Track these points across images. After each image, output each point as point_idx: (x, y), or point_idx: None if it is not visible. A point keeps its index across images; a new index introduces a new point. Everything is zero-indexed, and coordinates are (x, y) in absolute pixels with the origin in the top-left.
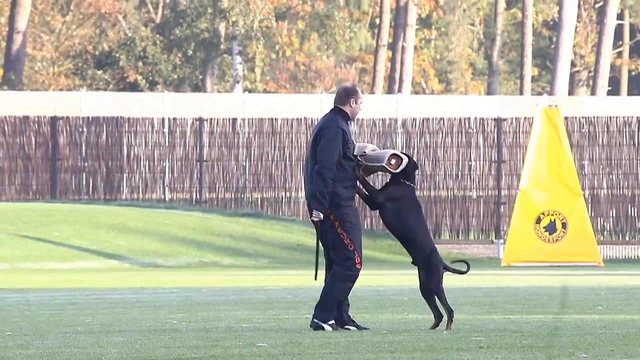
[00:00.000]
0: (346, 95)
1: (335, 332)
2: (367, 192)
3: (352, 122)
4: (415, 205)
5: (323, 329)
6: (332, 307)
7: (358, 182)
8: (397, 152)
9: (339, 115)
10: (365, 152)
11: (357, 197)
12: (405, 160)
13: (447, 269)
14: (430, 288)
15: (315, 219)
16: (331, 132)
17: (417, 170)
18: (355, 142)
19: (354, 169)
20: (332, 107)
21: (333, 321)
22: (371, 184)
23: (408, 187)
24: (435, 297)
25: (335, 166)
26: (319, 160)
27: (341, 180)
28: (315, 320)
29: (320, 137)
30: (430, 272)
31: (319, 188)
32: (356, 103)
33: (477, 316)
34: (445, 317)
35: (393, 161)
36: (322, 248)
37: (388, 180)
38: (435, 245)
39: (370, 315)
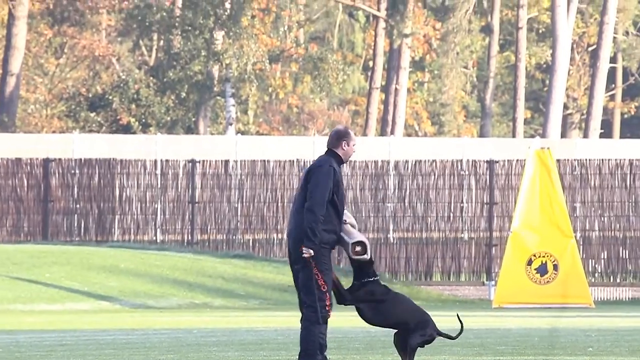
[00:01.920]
0: (337, 138)
1: None
2: (337, 291)
3: (345, 165)
4: (386, 294)
5: None
6: (314, 353)
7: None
8: (367, 243)
9: (332, 157)
10: (345, 220)
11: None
12: (368, 254)
13: (440, 334)
14: (409, 343)
15: (305, 255)
16: (323, 170)
17: (373, 262)
18: (344, 192)
19: (338, 216)
20: (326, 149)
21: None
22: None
23: (372, 283)
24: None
25: (325, 204)
26: (309, 198)
27: (323, 222)
28: None
29: (312, 175)
30: (417, 332)
31: (309, 224)
32: (348, 145)
33: (467, 357)
34: None
35: (358, 248)
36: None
37: (354, 281)
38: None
39: (361, 357)
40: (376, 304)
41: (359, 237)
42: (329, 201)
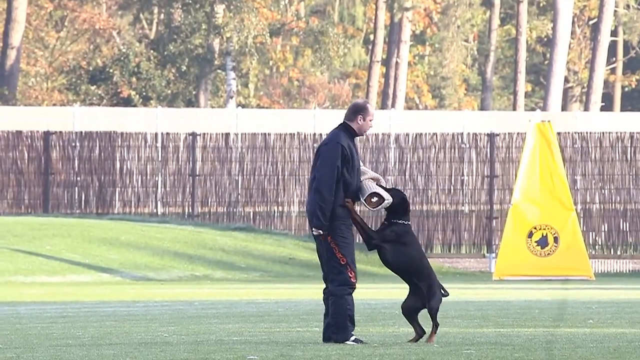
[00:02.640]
0: (354, 111)
1: (326, 345)
2: (363, 233)
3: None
4: (412, 241)
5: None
6: (345, 325)
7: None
8: (382, 191)
9: (343, 131)
10: (364, 177)
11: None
12: (387, 201)
13: (443, 292)
14: (429, 307)
15: (315, 234)
16: (329, 148)
17: (408, 207)
18: (360, 161)
19: (353, 190)
20: (341, 122)
21: (353, 336)
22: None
23: (403, 225)
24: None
25: (334, 182)
26: (317, 177)
27: (336, 197)
28: (337, 342)
29: (320, 154)
30: (434, 298)
31: (317, 204)
32: (364, 120)
33: (468, 329)
34: (426, 333)
35: (374, 199)
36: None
37: (384, 221)
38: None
39: (362, 329)
40: (399, 246)
41: (371, 189)
42: (339, 177)
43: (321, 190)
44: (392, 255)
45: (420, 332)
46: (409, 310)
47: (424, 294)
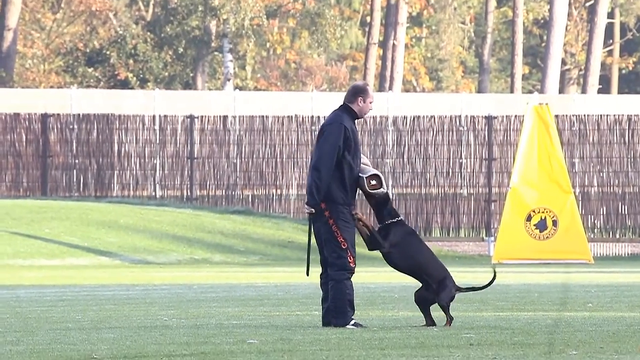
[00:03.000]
0: (354, 93)
1: (325, 329)
2: (373, 240)
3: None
4: (415, 238)
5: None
6: (345, 309)
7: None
8: (381, 176)
9: (345, 113)
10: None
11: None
12: (383, 190)
13: (460, 290)
14: (440, 301)
15: (307, 212)
16: (332, 128)
17: (390, 202)
18: (359, 147)
19: (352, 173)
20: (341, 104)
21: (353, 320)
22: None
23: (400, 223)
24: (431, 305)
25: (333, 162)
26: (316, 156)
27: (336, 180)
28: (337, 327)
29: (323, 133)
30: (444, 291)
31: (313, 182)
32: (364, 102)
33: (467, 313)
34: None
35: (373, 182)
36: (316, 244)
37: (379, 225)
38: (448, 270)
39: (361, 312)
40: (404, 247)
41: (372, 170)
42: (340, 158)
43: (319, 168)
44: (400, 258)
45: (430, 323)
46: (421, 300)
47: (434, 289)
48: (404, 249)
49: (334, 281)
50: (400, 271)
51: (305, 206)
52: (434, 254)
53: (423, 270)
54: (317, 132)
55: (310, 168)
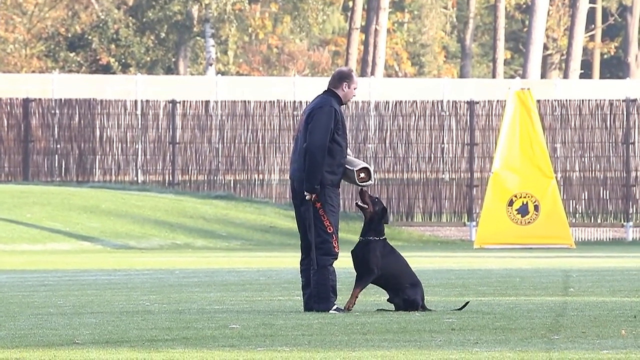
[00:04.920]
0: (340, 78)
1: (307, 314)
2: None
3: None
4: (393, 254)
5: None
6: (328, 295)
7: None
8: (371, 170)
9: (332, 97)
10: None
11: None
12: (371, 182)
13: (424, 308)
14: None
15: (307, 198)
16: (324, 111)
17: (384, 221)
18: (347, 132)
19: (342, 156)
20: (325, 89)
21: (335, 305)
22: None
23: (383, 242)
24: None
25: (326, 145)
26: (309, 139)
27: (327, 164)
28: (319, 312)
29: (313, 116)
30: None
31: (310, 167)
32: (349, 87)
33: (449, 298)
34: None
35: (363, 174)
36: (297, 229)
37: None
38: (419, 279)
39: (343, 297)
40: (386, 257)
41: (362, 164)
42: (331, 141)
43: (315, 153)
44: (382, 267)
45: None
46: (394, 301)
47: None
48: (385, 260)
49: (318, 266)
50: (379, 279)
51: (305, 193)
52: (408, 266)
53: (393, 279)
54: (299, 117)
55: (307, 152)
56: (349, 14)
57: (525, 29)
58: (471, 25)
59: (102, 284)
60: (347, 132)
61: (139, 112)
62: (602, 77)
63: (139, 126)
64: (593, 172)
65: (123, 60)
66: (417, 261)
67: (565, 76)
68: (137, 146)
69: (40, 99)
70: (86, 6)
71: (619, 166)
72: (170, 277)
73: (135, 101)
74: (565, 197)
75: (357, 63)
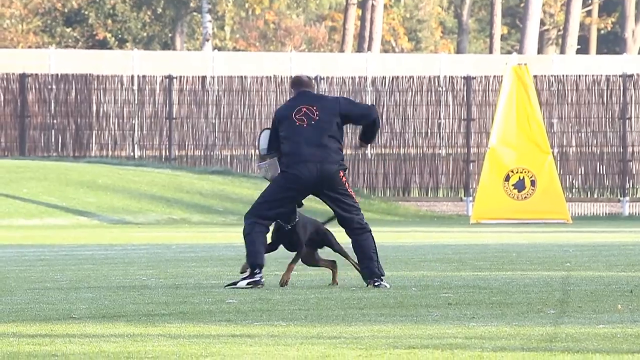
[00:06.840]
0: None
1: (304, 289)
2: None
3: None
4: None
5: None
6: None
7: None
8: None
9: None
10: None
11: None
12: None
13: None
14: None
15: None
16: (341, 98)
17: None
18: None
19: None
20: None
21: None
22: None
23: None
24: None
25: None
26: (369, 112)
27: (338, 148)
28: (381, 278)
29: (338, 102)
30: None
31: (378, 129)
32: None
33: (445, 273)
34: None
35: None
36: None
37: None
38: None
39: (340, 272)
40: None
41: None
42: (339, 128)
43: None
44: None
45: (331, 265)
46: (309, 258)
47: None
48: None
49: (369, 232)
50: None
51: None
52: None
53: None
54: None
55: (370, 115)
56: None
57: (522, 5)
58: (468, 1)
59: (99, 258)
60: None
61: (135, 87)
62: (598, 52)
63: (136, 101)
64: (590, 148)
65: (120, 36)
66: (414, 236)
67: (562, 52)
68: (133, 121)
69: (36, 74)
70: None
71: (616, 141)
72: (167, 252)
73: (132, 76)
74: (561, 172)
75: (353, 38)
